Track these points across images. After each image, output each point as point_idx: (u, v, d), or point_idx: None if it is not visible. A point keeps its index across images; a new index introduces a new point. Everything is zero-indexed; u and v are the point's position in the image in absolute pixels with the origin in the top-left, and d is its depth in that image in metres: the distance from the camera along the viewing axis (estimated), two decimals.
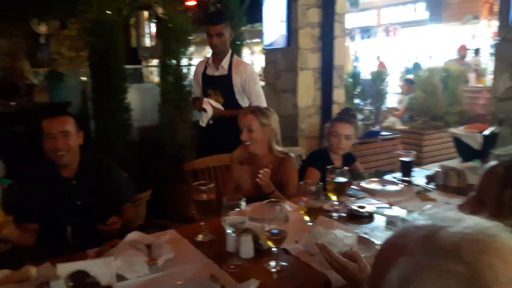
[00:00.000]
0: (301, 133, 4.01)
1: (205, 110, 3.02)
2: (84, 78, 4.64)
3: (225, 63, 3.07)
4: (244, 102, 3.11)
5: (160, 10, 7.11)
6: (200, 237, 1.71)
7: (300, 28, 3.90)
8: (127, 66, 4.11)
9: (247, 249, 1.54)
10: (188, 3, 7.18)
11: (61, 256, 1.57)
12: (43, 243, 1.99)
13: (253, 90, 3.08)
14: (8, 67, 5.18)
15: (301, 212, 1.66)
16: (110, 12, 3.90)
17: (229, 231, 1.50)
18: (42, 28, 7.36)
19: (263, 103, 3.07)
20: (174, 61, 4.00)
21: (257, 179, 2.09)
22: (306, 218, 1.65)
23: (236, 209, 1.47)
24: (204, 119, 3.07)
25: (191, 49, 4.20)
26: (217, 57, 3.10)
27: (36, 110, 4.29)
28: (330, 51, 3.99)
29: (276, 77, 4.19)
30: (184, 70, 4.07)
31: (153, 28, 9.73)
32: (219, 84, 3.09)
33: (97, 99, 3.81)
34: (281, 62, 4.11)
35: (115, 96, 3.82)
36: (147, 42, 10.05)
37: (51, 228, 1.99)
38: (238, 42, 4.47)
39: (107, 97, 3.76)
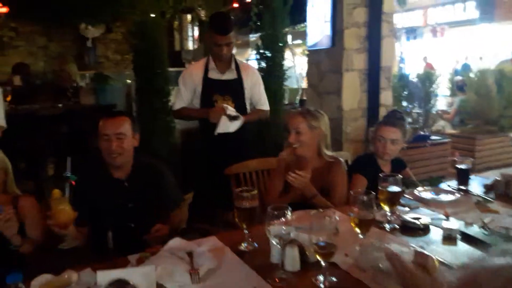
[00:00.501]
0: (346, 136, 3.87)
1: (217, 120, 2.76)
2: (129, 81, 4.72)
3: (233, 66, 2.90)
4: (249, 107, 3.00)
5: (202, 13, 7.17)
6: (242, 246, 1.64)
7: (345, 28, 3.76)
8: (170, 69, 4.13)
9: (293, 261, 1.44)
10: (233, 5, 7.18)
11: (103, 261, 1.54)
12: (89, 245, 1.99)
13: (262, 93, 3.01)
14: (56, 70, 5.34)
15: (351, 224, 1.54)
16: (153, 15, 3.93)
17: (273, 241, 1.41)
18: (89, 32, 7.60)
19: (268, 107, 3.08)
20: None
21: (289, 179, 1.99)
22: (357, 230, 1.54)
23: (282, 218, 1.38)
24: (227, 127, 2.78)
25: (233, 51, 4.15)
26: (221, 61, 2.87)
27: (82, 112, 4.39)
28: (377, 52, 3.83)
29: (319, 78, 4.07)
30: None
31: (196, 31, 9.84)
32: (229, 89, 2.88)
33: (141, 101, 3.85)
34: (325, 63, 3.98)
35: (159, 98, 3.85)
36: (190, 45, 10.18)
37: (100, 230, 1.96)
38: (281, 44, 4.38)
39: (150, 99, 3.79)
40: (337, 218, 1.37)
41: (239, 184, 2.55)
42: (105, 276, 1.33)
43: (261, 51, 4.35)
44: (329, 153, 2.21)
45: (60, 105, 4.55)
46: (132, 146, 2.00)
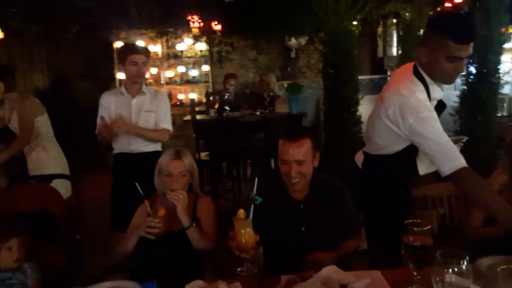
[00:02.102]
0: None
1: None
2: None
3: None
4: None
5: (407, 16, 6.70)
6: None
7: None
8: (373, 76, 3.95)
9: None
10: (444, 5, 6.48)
11: (254, 276, 1.50)
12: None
13: None
14: (258, 81, 5.77)
15: None
16: (347, 23, 3.81)
17: None
18: (293, 43, 7.98)
19: None
20: None
21: None
22: None
23: (455, 268, 1.07)
24: None
25: None
26: (447, 82, 2.07)
27: (275, 119, 4.59)
28: None
29: None
30: None
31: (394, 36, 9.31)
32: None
33: (329, 110, 3.79)
34: None
35: (346, 108, 3.71)
36: (394, 51, 9.69)
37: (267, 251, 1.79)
38: (497, 45, 3.70)
39: (338, 108, 3.70)
40: None
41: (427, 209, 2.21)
42: None
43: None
44: None
45: (258, 112, 4.88)
46: (312, 168, 1.89)
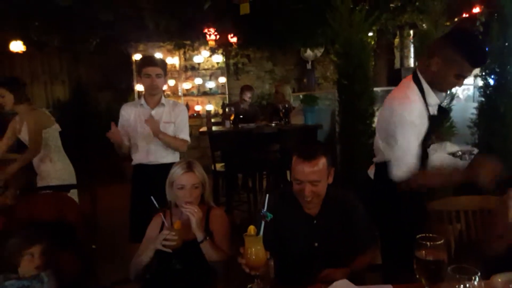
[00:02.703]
0: None
1: None
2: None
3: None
4: None
5: (424, 26, 6.65)
6: None
7: None
8: (386, 88, 3.93)
9: None
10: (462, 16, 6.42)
11: None
12: None
13: None
14: (274, 92, 5.79)
15: None
16: (363, 34, 3.81)
17: None
18: (309, 55, 8.00)
19: None
20: None
21: None
22: None
23: (467, 284, 1.05)
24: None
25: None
26: (442, 93, 2.18)
27: (290, 131, 4.59)
28: None
29: None
30: None
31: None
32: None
33: (344, 122, 3.77)
34: None
35: (362, 120, 3.69)
36: (411, 62, 9.63)
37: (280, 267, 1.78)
38: None
39: (353, 120, 3.68)
40: None
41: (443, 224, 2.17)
42: None
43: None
44: None
45: (273, 124, 4.88)
46: (326, 185, 1.87)
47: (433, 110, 2.06)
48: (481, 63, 2.10)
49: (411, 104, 1.96)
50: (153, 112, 2.99)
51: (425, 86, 2.02)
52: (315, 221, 1.89)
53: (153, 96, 3.01)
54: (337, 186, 1.98)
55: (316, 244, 1.86)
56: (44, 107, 7.17)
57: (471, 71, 1.97)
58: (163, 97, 3.05)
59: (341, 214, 1.90)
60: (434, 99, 2.04)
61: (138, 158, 3.03)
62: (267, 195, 1.68)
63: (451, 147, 2.23)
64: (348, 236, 1.87)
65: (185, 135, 3.06)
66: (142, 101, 3.04)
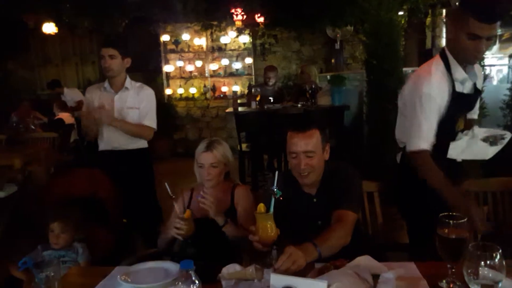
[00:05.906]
0: None
1: None
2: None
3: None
4: None
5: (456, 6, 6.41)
6: (443, 284, 1.35)
7: None
8: (416, 68, 3.83)
9: None
10: None
11: None
12: None
13: None
14: (299, 73, 5.75)
15: None
16: (393, 13, 3.73)
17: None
18: (337, 34, 7.85)
19: None
20: None
21: None
22: None
23: (488, 261, 1.06)
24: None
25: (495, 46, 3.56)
26: (472, 61, 2.05)
27: (317, 112, 4.58)
28: None
29: None
30: None
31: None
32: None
33: (372, 103, 3.73)
34: None
35: (391, 100, 3.63)
36: (443, 42, 9.34)
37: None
38: None
39: (381, 100, 3.63)
40: None
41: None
42: (279, 280, 1.32)
43: None
44: None
45: (299, 105, 4.88)
46: (323, 160, 1.88)
47: (462, 87, 1.99)
48: (487, 17, 1.77)
49: (431, 77, 1.92)
50: (116, 97, 2.86)
51: (451, 60, 1.95)
52: (315, 200, 1.91)
53: (113, 78, 2.87)
54: (333, 162, 1.95)
55: (319, 223, 1.86)
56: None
57: (482, 28, 1.77)
58: (128, 80, 2.91)
59: (338, 186, 1.87)
60: (461, 74, 1.96)
61: (103, 144, 2.93)
62: (277, 172, 1.73)
63: (479, 130, 2.18)
64: (336, 197, 1.84)
65: (149, 121, 2.88)
66: (106, 84, 2.91)
